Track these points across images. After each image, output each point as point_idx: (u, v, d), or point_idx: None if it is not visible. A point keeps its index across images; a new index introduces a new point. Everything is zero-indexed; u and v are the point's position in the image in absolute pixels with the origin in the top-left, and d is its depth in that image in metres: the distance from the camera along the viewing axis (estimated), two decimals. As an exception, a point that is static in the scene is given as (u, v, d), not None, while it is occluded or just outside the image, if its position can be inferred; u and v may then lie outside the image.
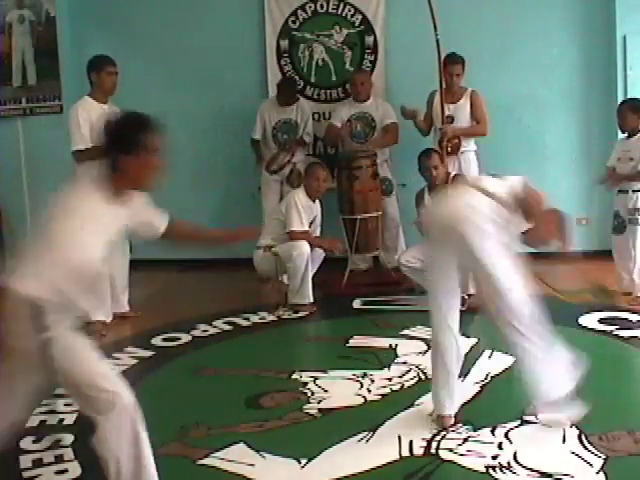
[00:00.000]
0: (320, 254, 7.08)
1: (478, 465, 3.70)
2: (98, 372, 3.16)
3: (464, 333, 5.73)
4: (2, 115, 8.94)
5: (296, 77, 8.55)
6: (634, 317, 5.94)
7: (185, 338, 6.06)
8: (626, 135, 6.54)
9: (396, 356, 5.39)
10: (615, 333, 5.61)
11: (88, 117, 6.25)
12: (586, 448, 3.81)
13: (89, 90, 6.48)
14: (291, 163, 7.94)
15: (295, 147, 7.95)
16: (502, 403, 4.46)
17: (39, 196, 8.82)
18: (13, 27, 8.81)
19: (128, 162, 3.25)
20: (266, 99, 8.21)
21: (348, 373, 5.02)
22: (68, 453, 4.06)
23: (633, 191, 6.42)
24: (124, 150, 3.25)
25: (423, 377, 4.93)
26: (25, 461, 3.97)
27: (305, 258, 6.62)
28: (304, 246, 6.64)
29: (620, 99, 7.66)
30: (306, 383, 4.92)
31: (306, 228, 6.85)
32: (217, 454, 3.95)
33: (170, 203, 4.39)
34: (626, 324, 5.77)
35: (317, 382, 4.91)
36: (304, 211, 6.83)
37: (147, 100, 8.32)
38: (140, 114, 3.36)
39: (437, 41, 6.85)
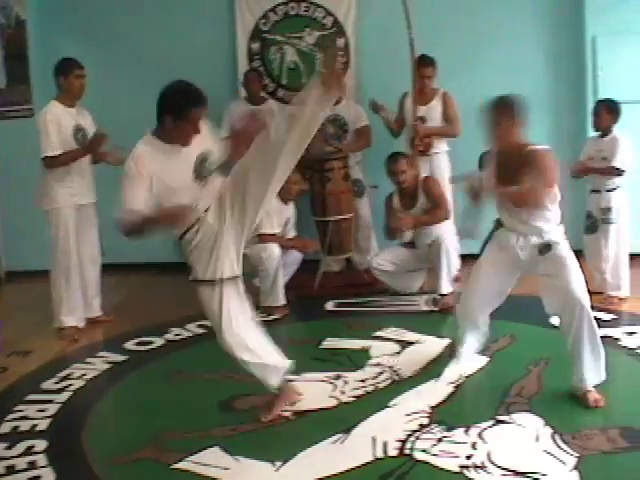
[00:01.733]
0: (297, 257, 7.08)
1: (452, 465, 3.72)
2: None
3: (437, 334, 5.79)
4: (-28, 119, 8.87)
5: (267, 79, 8.54)
6: (606, 316, 5.98)
7: (158, 342, 6.04)
8: (599, 134, 6.58)
9: (369, 358, 5.39)
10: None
11: (56, 122, 6.19)
12: (560, 447, 3.83)
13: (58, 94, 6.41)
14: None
15: None
16: (476, 403, 4.48)
17: (9, 200, 8.76)
18: (-18, 31, 8.75)
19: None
20: (234, 101, 8.12)
21: (321, 375, 5.02)
22: (41, 459, 4.04)
23: (606, 191, 6.47)
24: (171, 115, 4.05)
25: (397, 378, 4.95)
26: (-2, 468, 3.96)
27: (275, 260, 6.60)
28: (274, 248, 6.63)
29: (590, 100, 7.71)
30: (280, 386, 4.91)
31: (276, 231, 6.84)
32: (191, 458, 3.95)
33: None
34: (598, 323, 5.79)
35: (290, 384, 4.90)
36: (274, 214, 6.81)
37: (117, 103, 8.35)
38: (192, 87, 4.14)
39: (411, 40, 6.86)
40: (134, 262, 8.52)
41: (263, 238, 6.69)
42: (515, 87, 8.18)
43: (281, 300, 6.72)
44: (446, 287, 6.57)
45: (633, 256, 6.76)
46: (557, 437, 3.94)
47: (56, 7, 8.67)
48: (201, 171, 4.18)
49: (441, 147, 7.41)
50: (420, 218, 6.76)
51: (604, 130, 6.51)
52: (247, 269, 6.82)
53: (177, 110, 4.04)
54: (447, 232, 6.74)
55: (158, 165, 4.07)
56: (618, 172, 6.41)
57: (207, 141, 4.32)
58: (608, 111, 6.47)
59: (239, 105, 7.98)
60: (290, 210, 7.09)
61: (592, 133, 6.75)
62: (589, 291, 6.62)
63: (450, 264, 6.66)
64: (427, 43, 7.24)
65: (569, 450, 3.79)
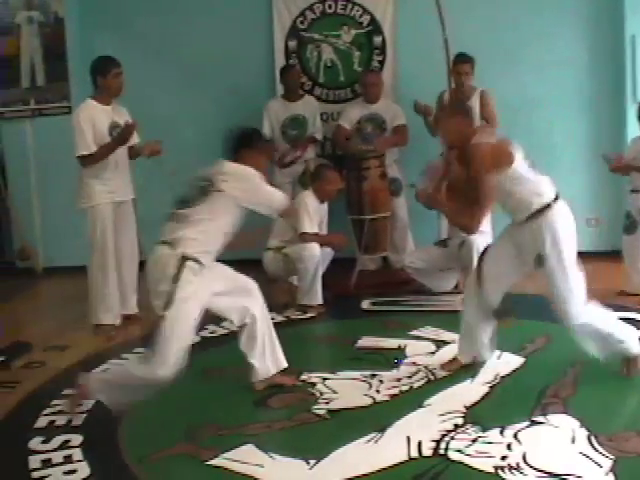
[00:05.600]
0: (329, 253, 7.06)
1: (487, 466, 3.70)
2: None
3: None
4: (11, 116, 8.96)
5: (305, 77, 8.54)
6: (643, 318, 5.94)
7: (195, 338, 6.04)
8: (643, 135, 6.54)
9: (405, 357, 5.38)
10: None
11: (90, 121, 6.19)
12: (595, 449, 3.80)
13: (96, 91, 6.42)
14: (302, 160, 7.89)
15: (307, 143, 7.94)
16: (511, 404, 4.45)
17: (47, 197, 8.84)
18: (22, 28, 8.82)
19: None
20: (272, 98, 8.17)
21: (357, 374, 5.02)
22: (77, 454, 4.08)
23: (645, 191, 6.43)
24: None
25: (432, 378, 4.93)
26: (34, 461, 4.01)
27: (316, 260, 6.59)
28: (315, 248, 6.62)
29: (629, 99, 7.66)
30: (315, 384, 4.92)
31: (316, 230, 6.83)
32: (226, 455, 3.96)
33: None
34: (635, 324, 5.74)
35: (326, 383, 4.90)
36: (314, 213, 6.80)
37: (156, 102, 8.39)
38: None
39: (445, 40, 6.83)
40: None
41: (305, 237, 6.67)
42: (553, 86, 8.23)
43: (319, 299, 6.71)
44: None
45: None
46: (593, 439, 3.90)
47: (94, 5, 8.73)
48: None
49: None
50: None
51: (648, 131, 6.46)
52: (286, 267, 6.88)
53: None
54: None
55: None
56: None
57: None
58: None
59: (276, 102, 8.01)
60: (324, 209, 7.07)
61: (636, 132, 6.69)
62: (627, 293, 6.61)
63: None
64: (465, 41, 7.21)
65: (605, 452, 3.75)
